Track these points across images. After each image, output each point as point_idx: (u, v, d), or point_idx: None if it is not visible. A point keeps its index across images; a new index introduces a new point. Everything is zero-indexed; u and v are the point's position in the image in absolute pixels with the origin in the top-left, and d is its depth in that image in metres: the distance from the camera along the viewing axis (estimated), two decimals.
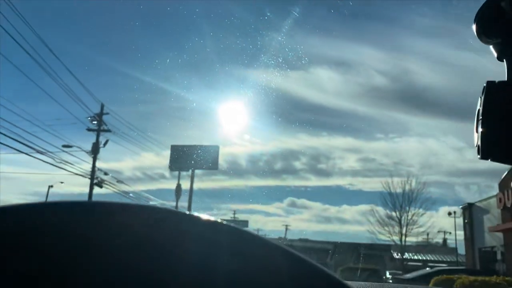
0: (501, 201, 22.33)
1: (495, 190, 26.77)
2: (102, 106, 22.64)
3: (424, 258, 54.44)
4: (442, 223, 31.47)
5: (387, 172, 33.17)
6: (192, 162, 40.90)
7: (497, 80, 0.75)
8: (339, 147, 65.67)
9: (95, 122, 22.41)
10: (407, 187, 31.54)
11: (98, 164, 22.14)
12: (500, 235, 22.26)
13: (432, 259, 55.14)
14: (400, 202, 31.77)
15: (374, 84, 66.94)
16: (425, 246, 39.15)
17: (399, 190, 31.47)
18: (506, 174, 22.46)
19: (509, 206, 21.55)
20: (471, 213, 26.49)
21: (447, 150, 71.27)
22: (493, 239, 23.53)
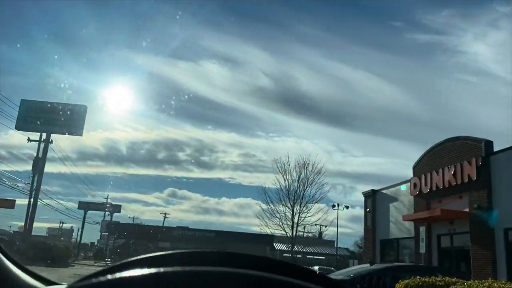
0: (415, 187, 19.78)
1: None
2: None
3: (304, 250, 53.68)
4: (314, 218, 29.82)
5: (266, 168, 31.09)
6: (49, 122, 32.19)
7: None
8: (222, 141, 62.63)
9: None
10: (284, 183, 30.01)
11: None
12: (411, 225, 19.72)
13: (311, 251, 54.71)
14: (289, 202, 29.88)
15: (259, 84, 64.95)
16: (302, 238, 37.76)
17: (277, 186, 30.24)
18: (422, 157, 19.95)
19: (425, 192, 19.03)
20: (374, 201, 23.91)
21: (319, 151, 72.93)
22: (400, 230, 21.02)
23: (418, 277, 7.31)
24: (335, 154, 75.14)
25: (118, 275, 0.53)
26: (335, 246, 50.28)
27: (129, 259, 0.64)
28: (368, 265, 9.63)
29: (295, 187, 30.64)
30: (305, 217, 30.36)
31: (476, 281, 7.03)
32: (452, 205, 17.25)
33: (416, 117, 77.58)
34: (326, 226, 42.29)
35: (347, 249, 59.57)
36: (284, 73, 64.06)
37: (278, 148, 56.23)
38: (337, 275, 9.20)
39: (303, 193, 30.60)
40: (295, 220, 30.23)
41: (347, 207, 49.75)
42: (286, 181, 30.71)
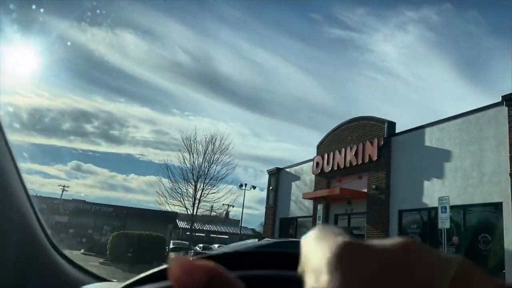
0: (318, 165, 19.39)
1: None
2: None
3: (208, 229, 52.86)
4: (218, 195, 28.84)
5: (179, 147, 29.00)
6: None
7: None
8: (134, 116, 58.85)
9: None
10: (196, 163, 28.47)
11: None
12: (310, 204, 19.36)
13: (216, 230, 54.05)
14: (190, 176, 28.34)
15: (177, 61, 62.09)
16: (210, 218, 36.81)
17: (188, 165, 28.50)
18: (326, 136, 19.60)
19: (327, 171, 18.69)
20: (277, 180, 23.34)
21: (234, 134, 72.67)
22: (300, 209, 20.64)
23: None
24: (249, 138, 75.02)
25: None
26: (239, 225, 50.03)
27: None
28: (257, 240, 8.54)
29: (199, 162, 29.20)
30: (207, 194, 29.07)
31: None
32: (351, 184, 17.05)
33: (326, 108, 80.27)
34: (233, 206, 41.58)
35: (253, 229, 59.98)
36: (204, 51, 61.74)
37: (193, 128, 54.20)
38: (221, 250, 7.96)
39: (208, 169, 29.29)
40: (197, 197, 28.84)
41: (254, 187, 49.54)
42: (191, 154, 29.14)
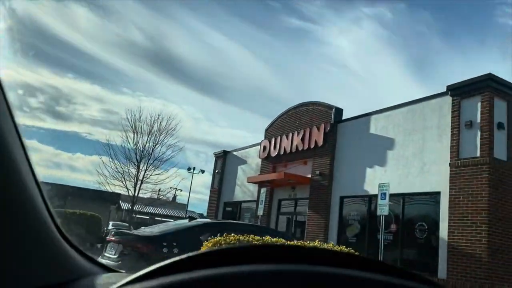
0: (264, 149, 18.96)
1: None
2: None
3: (154, 212, 51.57)
4: (162, 177, 27.87)
5: (129, 128, 27.52)
6: None
7: None
8: (83, 93, 55.78)
9: None
10: (140, 142, 27.29)
11: None
12: (255, 188, 18.95)
13: (162, 213, 52.88)
14: (136, 157, 27.10)
15: (131, 38, 59.42)
16: (155, 200, 35.75)
17: (132, 145, 27.26)
18: (275, 120, 19.20)
19: (273, 156, 18.31)
20: (224, 163, 22.75)
21: (187, 118, 71.31)
22: (244, 193, 20.20)
23: (233, 234, 5.77)
24: (202, 122, 73.67)
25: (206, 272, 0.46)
26: (186, 209, 49.27)
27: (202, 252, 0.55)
28: (187, 221, 7.92)
29: (143, 142, 28.01)
30: (151, 175, 28.01)
31: (301, 242, 5.93)
32: (296, 169, 16.77)
33: (281, 96, 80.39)
34: (181, 190, 40.72)
35: (201, 214, 59.31)
36: (159, 31, 59.37)
37: (144, 108, 52.25)
38: (147, 232, 7.26)
39: (152, 150, 28.18)
40: (140, 178, 27.70)
41: (202, 171, 48.82)
42: (135, 133, 27.87)
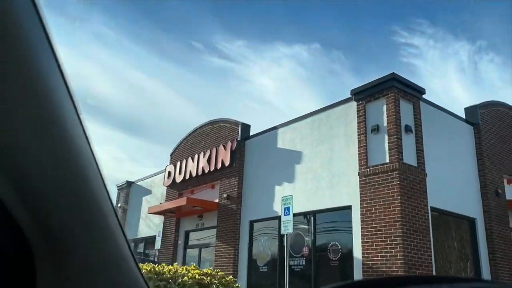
0: (169, 175, 17.00)
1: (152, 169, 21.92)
2: None
3: None
4: None
5: None
6: None
7: None
8: None
9: None
10: None
11: None
12: (161, 220, 16.75)
13: None
14: None
15: None
16: None
17: None
18: (180, 142, 17.45)
19: (178, 181, 16.39)
20: (128, 195, 20.32)
21: (108, 159, 67.56)
22: (149, 227, 17.88)
23: None
24: (125, 163, 69.36)
25: None
26: None
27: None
28: None
29: None
30: None
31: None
32: (203, 194, 14.99)
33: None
34: None
35: None
36: (77, 70, 55.93)
37: None
38: None
39: None
40: None
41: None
42: None
